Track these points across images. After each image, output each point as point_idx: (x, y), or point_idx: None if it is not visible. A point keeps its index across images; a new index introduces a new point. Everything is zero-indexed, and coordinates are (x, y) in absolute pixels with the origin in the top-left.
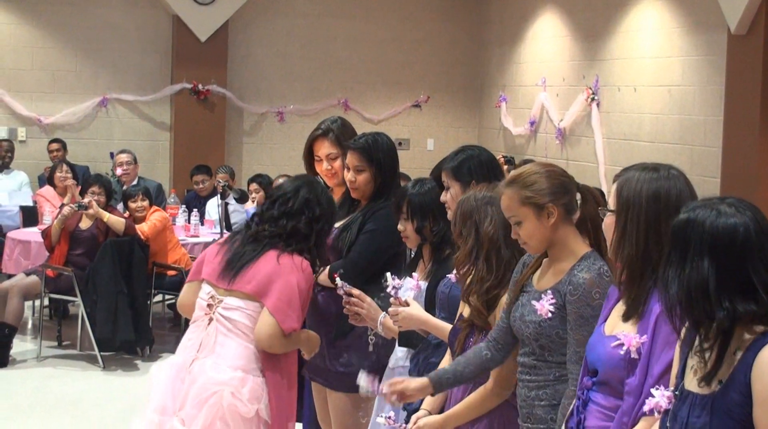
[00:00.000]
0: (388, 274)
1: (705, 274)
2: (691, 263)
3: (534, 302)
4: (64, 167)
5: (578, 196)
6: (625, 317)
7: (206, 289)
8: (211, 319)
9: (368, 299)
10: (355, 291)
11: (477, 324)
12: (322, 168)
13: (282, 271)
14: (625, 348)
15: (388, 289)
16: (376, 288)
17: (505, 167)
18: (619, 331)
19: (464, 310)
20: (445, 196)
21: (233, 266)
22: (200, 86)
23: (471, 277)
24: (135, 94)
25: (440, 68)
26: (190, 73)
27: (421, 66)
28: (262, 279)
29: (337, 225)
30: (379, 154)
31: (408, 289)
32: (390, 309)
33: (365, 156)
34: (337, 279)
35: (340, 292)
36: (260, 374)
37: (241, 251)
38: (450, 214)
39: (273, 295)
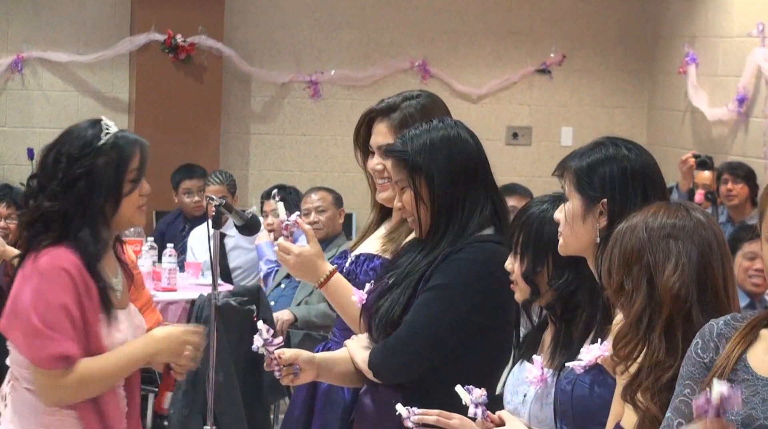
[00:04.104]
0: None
1: None
2: None
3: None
4: None
5: None
6: None
7: None
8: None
9: (455, 418)
10: (431, 416)
11: None
12: (372, 165)
13: (20, 283)
14: None
15: (466, 403)
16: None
17: (702, 174)
18: None
19: (625, 417)
20: (559, 213)
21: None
22: (179, 38)
23: (641, 361)
24: (70, 50)
25: (583, 10)
26: (163, 16)
27: (551, 6)
28: (8, 306)
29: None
30: (427, 156)
31: (526, 383)
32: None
33: (402, 162)
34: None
35: (409, 424)
36: None
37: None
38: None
39: (15, 328)
